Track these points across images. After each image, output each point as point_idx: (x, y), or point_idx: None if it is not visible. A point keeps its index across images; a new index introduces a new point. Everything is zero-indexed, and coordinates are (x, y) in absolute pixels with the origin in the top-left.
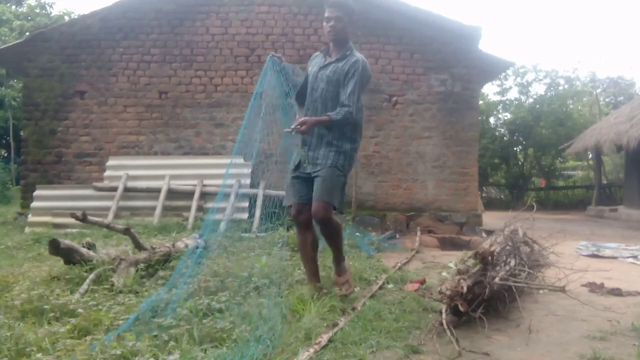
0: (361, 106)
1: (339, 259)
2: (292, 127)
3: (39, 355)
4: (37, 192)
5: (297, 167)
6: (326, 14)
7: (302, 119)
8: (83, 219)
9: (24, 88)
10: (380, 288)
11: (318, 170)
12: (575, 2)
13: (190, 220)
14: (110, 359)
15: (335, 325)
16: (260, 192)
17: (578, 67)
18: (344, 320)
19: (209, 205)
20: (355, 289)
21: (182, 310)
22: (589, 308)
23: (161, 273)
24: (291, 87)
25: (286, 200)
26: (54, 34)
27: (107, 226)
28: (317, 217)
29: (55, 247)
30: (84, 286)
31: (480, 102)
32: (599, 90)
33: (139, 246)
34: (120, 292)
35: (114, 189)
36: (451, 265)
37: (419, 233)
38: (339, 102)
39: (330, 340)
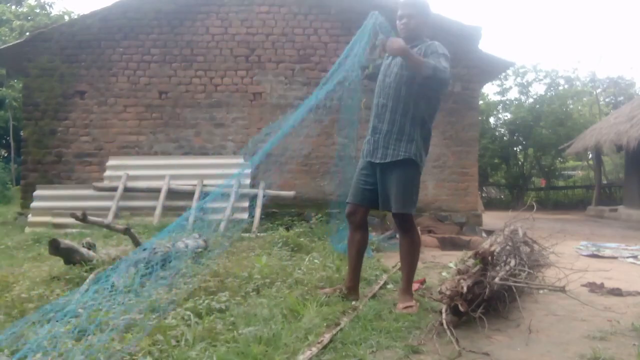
0: (449, 74)
1: (406, 286)
2: (379, 46)
3: (39, 355)
4: (37, 192)
5: (370, 155)
6: (399, 12)
7: (392, 38)
8: (83, 219)
9: (24, 88)
10: (381, 288)
11: (387, 164)
12: (575, 2)
13: (191, 220)
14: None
15: (337, 324)
16: (260, 192)
17: (578, 67)
18: (345, 320)
19: (210, 205)
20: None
21: (182, 310)
22: (589, 308)
23: (161, 273)
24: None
25: (349, 196)
26: (54, 34)
27: (107, 226)
28: (401, 229)
29: (55, 247)
30: (84, 286)
31: (480, 102)
32: (599, 90)
33: (139, 246)
34: (120, 292)
35: (114, 189)
36: (451, 265)
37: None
38: (421, 81)
39: (330, 340)
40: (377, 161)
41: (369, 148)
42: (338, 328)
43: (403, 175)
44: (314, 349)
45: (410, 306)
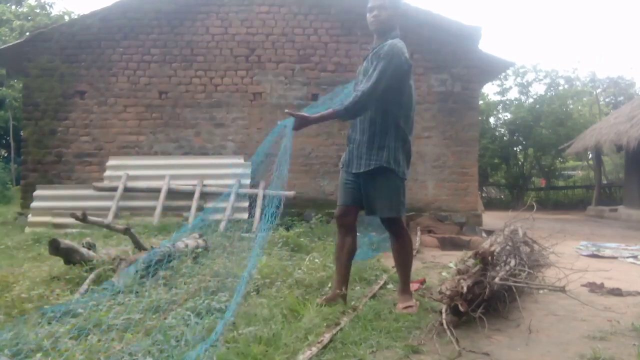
0: (380, 88)
1: (404, 287)
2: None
3: (39, 355)
4: (37, 192)
5: (347, 165)
6: (369, 4)
7: (300, 114)
8: (83, 219)
9: (24, 88)
10: (381, 288)
11: (366, 174)
12: (575, 2)
13: (191, 220)
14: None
15: (337, 324)
16: (260, 192)
17: (578, 67)
18: (345, 320)
19: (209, 205)
20: (356, 288)
21: (182, 310)
22: (589, 308)
23: (161, 273)
24: None
25: (338, 199)
26: (54, 34)
27: (107, 226)
28: (392, 233)
29: (55, 247)
30: (84, 286)
31: (480, 102)
32: (599, 90)
33: (139, 246)
34: (120, 292)
35: (114, 189)
36: (451, 265)
37: (419, 233)
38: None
39: (330, 340)
40: (353, 171)
41: (345, 158)
42: (338, 328)
43: (380, 183)
44: (314, 349)
45: (411, 306)
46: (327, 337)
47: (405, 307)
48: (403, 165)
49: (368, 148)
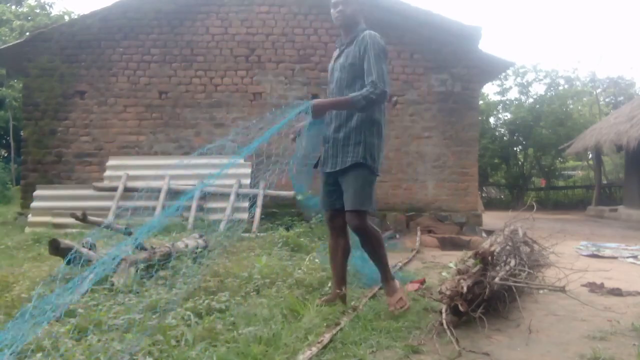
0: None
1: (386, 276)
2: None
3: (39, 355)
4: (37, 192)
5: (322, 165)
6: (333, 0)
7: (311, 102)
8: (83, 219)
9: (24, 88)
10: (380, 288)
11: (341, 170)
12: (575, 2)
13: (191, 220)
14: (110, 358)
15: (337, 324)
16: (260, 192)
17: (578, 67)
18: (345, 320)
19: (210, 205)
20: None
21: (182, 310)
22: (589, 308)
23: (161, 273)
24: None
25: (320, 203)
26: (54, 34)
27: (107, 226)
28: (352, 227)
29: (55, 247)
30: (84, 286)
31: (481, 102)
32: (599, 90)
33: (139, 246)
34: (121, 292)
35: (114, 189)
36: (451, 265)
37: (419, 233)
38: (365, 81)
39: (330, 340)
40: (328, 170)
41: (321, 157)
42: (338, 328)
43: (353, 176)
44: (314, 349)
45: (400, 299)
46: (327, 337)
47: (397, 302)
48: (378, 161)
49: (344, 145)
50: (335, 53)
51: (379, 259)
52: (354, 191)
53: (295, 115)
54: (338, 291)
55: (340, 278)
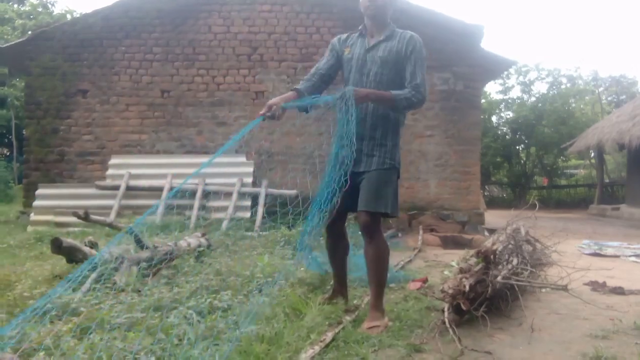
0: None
1: (377, 302)
2: (338, 96)
3: (41, 354)
4: (39, 191)
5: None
6: None
7: (353, 88)
8: (85, 217)
9: (26, 87)
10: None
11: (363, 172)
12: (578, 1)
13: (193, 219)
14: (112, 357)
15: (339, 323)
16: (262, 190)
17: (580, 65)
18: (348, 319)
19: (212, 203)
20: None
21: (184, 309)
22: (591, 307)
23: (164, 272)
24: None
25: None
26: (56, 33)
27: (110, 225)
28: (363, 228)
29: (58, 246)
30: (86, 285)
31: (483, 100)
32: (601, 89)
33: (141, 245)
34: (123, 290)
35: (116, 188)
36: (453, 263)
37: (421, 232)
38: (406, 82)
39: (332, 339)
40: (361, 170)
41: (350, 155)
42: (340, 327)
43: (384, 179)
44: (317, 347)
45: (377, 326)
46: (329, 335)
47: (370, 327)
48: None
49: (381, 145)
50: (360, 42)
51: (380, 276)
52: (378, 193)
53: (332, 101)
54: (339, 289)
55: (340, 277)
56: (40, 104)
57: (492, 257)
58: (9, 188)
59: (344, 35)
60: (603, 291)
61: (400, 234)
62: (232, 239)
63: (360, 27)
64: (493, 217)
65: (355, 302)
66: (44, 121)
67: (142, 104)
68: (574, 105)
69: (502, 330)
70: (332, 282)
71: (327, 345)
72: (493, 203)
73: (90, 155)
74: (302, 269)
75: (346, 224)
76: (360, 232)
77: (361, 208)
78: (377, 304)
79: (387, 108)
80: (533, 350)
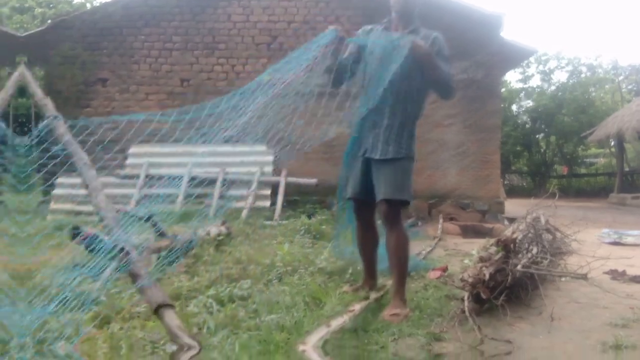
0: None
1: (399, 291)
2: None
3: (62, 342)
4: (59, 180)
5: (370, 151)
6: None
7: (414, 39)
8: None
9: (46, 76)
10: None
11: (381, 158)
12: None
13: (213, 207)
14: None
15: (366, 298)
16: (282, 179)
17: (600, 54)
18: (361, 305)
19: (232, 192)
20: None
21: (204, 298)
22: (611, 295)
23: (183, 261)
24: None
25: (347, 190)
26: (75, 22)
27: (129, 214)
28: (384, 217)
29: (77, 235)
30: (106, 274)
31: (502, 89)
32: (621, 78)
33: (160, 234)
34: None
35: (136, 177)
36: (473, 252)
37: (441, 221)
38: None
39: (352, 328)
40: (377, 157)
41: (370, 143)
42: (367, 302)
43: (400, 167)
44: (346, 317)
45: (398, 314)
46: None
47: (392, 315)
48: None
49: (398, 135)
50: (384, 36)
51: (403, 264)
52: (396, 181)
53: (392, 43)
54: (369, 281)
55: (371, 268)
56: (60, 92)
57: (512, 245)
58: (28, 177)
59: (368, 27)
60: (623, 280)
61: (419, 223)
62: (252, 228)
63: (385, 20)
64: (513, 206)
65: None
66: (63, 110)
67: (161, 93)
68: (593, 94)
69: (522, 319)
70: (350, 271)
71: (346, 333)
72: (513, 192)
73: (110, 144)
74: (322, 257)
75: (375, 215)
76: (380, 222)
77: (381, 197)
78: (398, 292)
79: (409, 99)
80: (553, 339)
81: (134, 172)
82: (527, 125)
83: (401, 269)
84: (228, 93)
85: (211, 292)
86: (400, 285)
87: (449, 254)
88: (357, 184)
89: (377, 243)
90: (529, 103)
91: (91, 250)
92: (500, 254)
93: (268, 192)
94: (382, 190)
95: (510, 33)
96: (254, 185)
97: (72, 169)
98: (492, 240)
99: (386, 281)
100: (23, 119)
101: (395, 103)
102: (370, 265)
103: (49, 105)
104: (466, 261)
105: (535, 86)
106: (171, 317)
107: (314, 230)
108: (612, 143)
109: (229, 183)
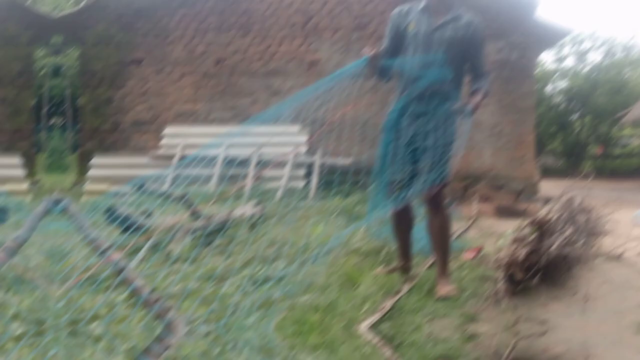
0: None
1: (445, 270)
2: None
3: (95, 323)
4: (93, 161)
5: (397, 130)
6: None
7: (472, 108)
8: (140, 187)
9: (81, 56)
10: None
11: (426, 143)
12: None
13: (247, 188)
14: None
15: (397, 292)
16: (317, 160)
17: (635, 35)
18: (404, 288)
19: (266, 173)
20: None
21: (238, 279)
22: None
23: (217, 241)
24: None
25: (385, 172)
26: (110, 2)
27: (164, 194)
28: (433, 201)
29: (112, 216)
30: (140, 254)
31: (537, 70)
32: None
33: (195, 214)
34: (177, 260)
35: (171, 157)
36: (508, 233)
37: (475, 201)
38: (476, 72)
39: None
40: (422, 142)
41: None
42: (398, 296)
43: (441, 148)
44: (377, 316)
45: (450, 289)
46: (388, 304)
47: (446, 291)
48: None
49: (447, 120)
50: (424, 20)
51: (446, 246)
52: (446, 165)
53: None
54: (404, 263)
55: (406, 250)
56: (95, 73)
57: (546, 226)
58: (63, 157)
59: (405, 8)
60: None
61: (454, 204)
62: (286, 209)
63: (424, 3)
64: (547, 187)
65: (410, 273)
66: (98, 91)
67: (196, 73)
68: (628, 74)
69: (556, 299)
70: (385, 252)
71: (383, 315)
72: (547, 172)
73: (145, 125)
74: (356, 238)
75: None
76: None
77: (437, 182)
78: (445, 271)
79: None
80: (587, 320)
81: (168, 152)
82: (562, 106)
83: (446, 248)
84: (262, 74)
85: (246, 272)
86: (446, 263)
87: (483, 235)
88: (397, 166)
89: (412, 224)
90: (563, 84)
91: (125, 230)
92: (534, 235)
93: (302, 172)
94: (437, 176)
95: (545, 14)
96: (289, 166)
97: None
98: (527, 221)
99: (421, 265)
100: (58, 99)
101: (438, 94)
102: (405, 246)
103: None
104: (500, 242)
105: (569, 67)
106: None
107: (348, 211)
108: None
109: (263, 163)
